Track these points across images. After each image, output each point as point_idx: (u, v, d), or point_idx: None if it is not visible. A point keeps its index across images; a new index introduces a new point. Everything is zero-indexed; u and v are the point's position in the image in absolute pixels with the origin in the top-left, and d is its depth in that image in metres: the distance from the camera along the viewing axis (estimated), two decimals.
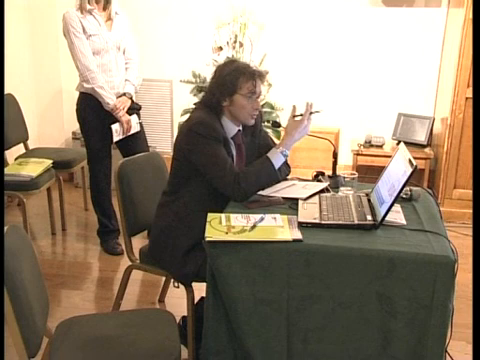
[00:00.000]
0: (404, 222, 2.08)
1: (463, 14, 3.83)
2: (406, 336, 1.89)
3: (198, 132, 2.20)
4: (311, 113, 2.30)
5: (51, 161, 3.73)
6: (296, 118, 2.31)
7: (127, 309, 2.67)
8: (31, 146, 4.18)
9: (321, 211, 2.12)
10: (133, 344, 1.87)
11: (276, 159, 2.24)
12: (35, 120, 4.62)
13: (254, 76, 2.24)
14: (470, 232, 3.48)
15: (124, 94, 3.44)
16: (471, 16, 3.74)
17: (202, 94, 3.99)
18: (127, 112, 3.43)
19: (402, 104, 4.52)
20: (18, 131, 4.03)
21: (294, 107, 2.32)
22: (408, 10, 4.42)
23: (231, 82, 2.24)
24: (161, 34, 4.72)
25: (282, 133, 2.38)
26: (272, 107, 4.16)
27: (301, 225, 2.03)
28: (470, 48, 3.78)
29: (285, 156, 2.27)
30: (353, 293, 1.90)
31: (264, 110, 4.03)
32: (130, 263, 2.54)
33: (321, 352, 1.97)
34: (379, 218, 2.04)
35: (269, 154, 2.25)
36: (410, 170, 1.96)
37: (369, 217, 2.06)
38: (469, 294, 2.70)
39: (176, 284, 2.39)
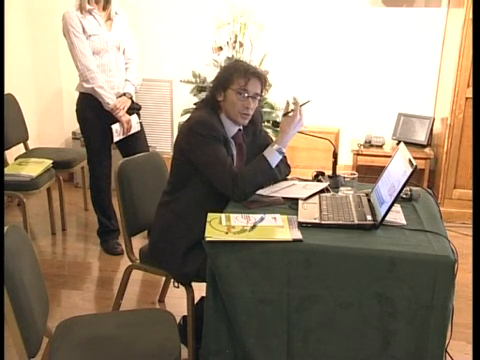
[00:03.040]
0: (404, 222, 2.08)
1: (463, 14, 3.83)
2: (406, 336, 1.89)
3: (198, 131, 2.20)
4: (301, 105, 2.29)
5: (51, 161, 3.72)
6: (289, 114, 2.29)
7: (127, 309, 2.67)
8: (31, 146, 4.18)
9: (321, 211, 2.12)
10: (133, 344, 1.87)
11: (272, 157, 2.23)
12: (35, 120, 4.62)
13: (247, 73, 2.23)
14: (470, 232, 3.48)
15: (124, 94, 3.44)
16: (471, 16, 3.74)
17: (202, 94, 4.01)
18: (127, 112, 3.43)
19: (402, 104, 4.52)
20: (18, 131, 4.03)
21: (287, 103, 2.31)
22: (408, 10, 4.42)
23: (225, 76, 2.26)
24: (161, 34, 4.72)
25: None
26: (272, 107, 4.16)
27: (301, 225, 2.03)
28: (470, 48, 3.78)
29: (281, 153, 2.26)
30: (353, 293, 1.90)
31: (264, 110, 4.03)
32: (130, 263, 2.54)
33: (321, 352, 1.97)
34: (379, 218, 2.04)
35: (265, 153, 2.25)
36: (410, 170, 1.96)
37: (369, 217, 2.06)
38: (469, 294, 2.69)
39: (176, 284, 2.39)
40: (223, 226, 2.01)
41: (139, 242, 2.83)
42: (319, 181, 2.51)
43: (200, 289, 2.31)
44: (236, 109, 2.25)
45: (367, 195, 2.30)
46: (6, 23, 4.00)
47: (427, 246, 1.90)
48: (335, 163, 2.57)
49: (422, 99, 4.53)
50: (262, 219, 2.06)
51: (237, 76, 2.23)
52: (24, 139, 4.11)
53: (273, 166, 2.24)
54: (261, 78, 2.28)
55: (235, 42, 4.10)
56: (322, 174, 2.56)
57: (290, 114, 2.28)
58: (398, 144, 3.92)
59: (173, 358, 1.83)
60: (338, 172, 2.55)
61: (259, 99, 2.30)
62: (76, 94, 3.46)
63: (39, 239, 3.79)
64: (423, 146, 4.38)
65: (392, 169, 2.19)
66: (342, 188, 2.38)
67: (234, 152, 2.35)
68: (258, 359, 1.99)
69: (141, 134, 3.58)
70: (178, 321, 2.38)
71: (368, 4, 4.47)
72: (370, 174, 3.98)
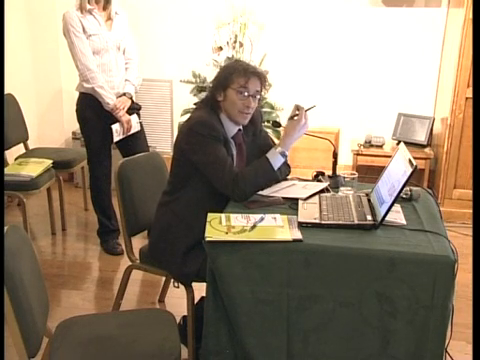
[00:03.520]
0: (404, 222, 2.08)
1: (463, 14, 3.83)
2: (406, 336, 1.89)
3: (198, 131, 2.20)
4: (307, 110, 2.29)
5: (51, 161, 3.72)
6: (294, 118, 2.29)
7: (127, 309, 2.67)
8: (31, 146, 4.18)
9: (321, 211, 2.12)
10: (133, 344, 1.87)
11: (275, 159, 2.23)
12: (35, 120, 4.62)
13: (247, 73, 2.23)
14: (470, 232, 3.48)
15: (124, 94, 3.44)
16: (471, 16, 3.74)
17: (202, 94, 4.01)
18: (127, 112, 3.43)
19: (402, 104, 4.52)
20: (18, 131, 4.03)
21: (295, 107, 2.32)
22: (408, 10, 4.42)
23: (225, 76, 2.26)
24: (161, 34, 4.72)
25: (282, 133, 2.38)
26: (272, 107, 4.16)
27: (301, 225, 2.03)
28: (470, 48, 3.78)
29: (284, 156, 2.26)
30: (353, 293, 1.90)
31: (264, 110, 4.03)
32: (130, 263, 2.54)
33: (321, 352, 1.97)
34: (379, 218, 2.04)
35: (268, 154, 2.25)
36: (410, 170, 1.96)
37: (369, 217, 2.06)
38: (469, 294, 2.69)
39: (176, 284, 2.39)
40: (223, 226, 2.01)
41: (139, 242, 2.83)
42: (319, 181, 2.51)
43: (200, 289, 2.31)
44: (236, 108, 2.25)
45: (367, 195, 2.29)
46: (6, 23, 4.00)
47: (427, 246, 1.90)
48: (335, 163, 2.57)
49: (422, 99, 4.53)
50: (262, 219, 2.06)
51: (237, 75, 2.23)
52: (24, 139, 4.11)
53: (275, 168, 2.23)
54: (261, 77, 2.28)
55: (235, 42, 4.10)
56: (322, 174, 2.56)
57: (295, 118, 2.29)
58: (398, 144, 3.92)
59: (173, 358, 1.83)
60: (338, 172, 2.55)
61: (259, 98, 2.31)
62: (76, 94, 3.46)
63: (39, 239, 3.79)
64: (423, 146, 4.38)
65: (392, 169, 2.19)
66: (342, 188, 2.38)
67: (234, 152, 2.35)
68: (258, 359, 1.99)
69: (141, 134, 3.58)
70: (178, 321, 2.38)
71: (368, 4, 4.47)
72: (370, 174, 3.99)
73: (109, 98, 3.33)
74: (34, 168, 3.60)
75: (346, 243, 1.92)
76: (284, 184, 2.43)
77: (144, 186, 2.58)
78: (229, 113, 2.28)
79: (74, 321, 2.01)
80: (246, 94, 2.24)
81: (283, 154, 2.25)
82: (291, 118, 2.30)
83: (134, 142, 3.49)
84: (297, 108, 2.30)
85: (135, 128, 3.49)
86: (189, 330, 2.33)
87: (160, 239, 2.36)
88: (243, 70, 2.24)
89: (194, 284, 2.33)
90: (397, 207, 2.19)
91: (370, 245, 1.92)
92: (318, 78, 4.62)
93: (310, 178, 2.59)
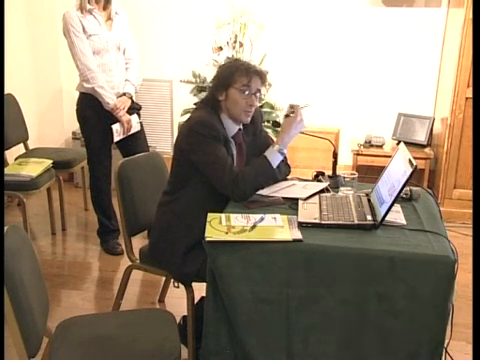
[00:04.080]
0: (404, 222, 2.08)
1: (463, 14, 3.83)
2: (406, 336, 1.89)
3: (198, 131, 2.20)
4: (301, 108, 2.31)
5: (51, 161, 3.72)
6: (291, 115, 2.31)
7: (127, 309, 2.67)
8: (31, 146, 4.18)
9: (321, 211, 2.12)
10: (133, 344, 1.87)
11: (273, 158, 2.24)
12: (35, 120, 4.62)
13: (249, 72, 2.25)
14: (470, 232, 3.48)
15: (124, 94, 3.44)
16: (471, 16, 3.74)
17: (202, 94, 4.01)
18: (127, 112, 3.42)
19: (402, 104, 4.52)
20: (18, 131, 4.03)
21: (290, 106, 2.33)
22: (408, 10, 4.42)
23: (226, 76, 2.27)
24: (161, 34, 4.72)
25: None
26: (272, 107, 4.16)
27: (301, 225, 2.03)
28: (470, 48, 3.78)
29: (282, 154, 2.27)
30: (353, 293, 1.90)
31: (264, 110, 4.03)
32: (130, 263, 2.54)
33: (321, 352, 1.97)
34: (379, 218, 2.04)
35: (266, 153, 2.26)
36: (410, 170, 1.97)
37: (369, 217, 2.06)
38: (469, 294, 2.69)
39: (176, 284, 2.39)
40: (223, 226, 2.01)
41: (139, 242, 2.83)
42: (319, 181, 2.51)
43: (200, 289, 2.31)
44: (240, 107, 2.26)
45: (367, 195, 2.30)
46: (6, 23, 4.00)
47: (427, 246, 1.90)
48: (335, 163, 2.57)
49: (422, 99, 4.53)
50: (262, 219, 2.06)
51: (239, 75, 2.24)
52: (24, 139, 4.11)
53: (274, 166, 2.24)
54: (261, 76, 2.29)
55: (235, 42, 4.10)
56: (322, 174, 2.56)
57: (291, 115, 2.29)
58: (398, 144, 3.92)
59: (173, 358, 1.83)
60: (338, 172, 2.55)
61: (259, 96, 2.32)
62: (76, 94, 3.46)
63: (39, 239, 3.79)
64: (423, 146, 4.38)
65: (392, 169, 2.19)
66: (342, 188, 2.38)
67: (234, 152, 2.35)
68: (258, 359, 1.99)
69: (141, 134, 3.58)
70: (178, 321, 2.38)
71: (368, 4, 4.47)
72: (370, 174, 3.98)
73: (109, 98, 3.33)
74: (34, 168, 3.60)
75: (346, 243, 1.92)
76: (284, 184, 2.43)
77: (144, 186, 2.58)
78: (232, 112, 2.28)
79: (74, 321, 2.01)
80: (248, 93, 2.25)
81: (281, 152, 2.26)
82: (287, 116, 2.31)
83: (134, 142, 3.49)
84: (291, 106, 2.31)
85: (135, 128, 3.49)
86: (189, 330, 2.33)
87: (160, 239, 2.36)
88: (245, 69, 2.25)
89: (194, 284, 2.34)
90: (397, 207, 2.19)
91: (370, 245, 1.92)
92: (318, 78, 4.62)
93: (310, 178, 2.59)
